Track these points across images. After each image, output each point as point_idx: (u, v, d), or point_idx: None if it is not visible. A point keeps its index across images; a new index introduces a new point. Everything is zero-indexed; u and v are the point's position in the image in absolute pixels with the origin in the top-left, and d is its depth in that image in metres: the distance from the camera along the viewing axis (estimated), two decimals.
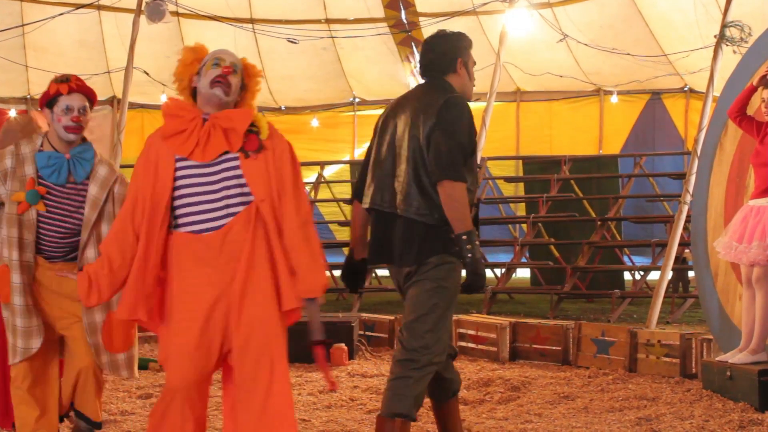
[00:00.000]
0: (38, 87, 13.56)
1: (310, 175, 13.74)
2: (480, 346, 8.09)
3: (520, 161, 14.40)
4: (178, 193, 3.76)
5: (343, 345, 7.79)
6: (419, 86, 4.62)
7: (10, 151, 4.39)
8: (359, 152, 16.28)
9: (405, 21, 14.89)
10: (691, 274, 11.13)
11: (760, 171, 6.11)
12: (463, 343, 8.22)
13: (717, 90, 7.99)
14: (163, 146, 3.79)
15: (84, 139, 4.45)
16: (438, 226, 4.30)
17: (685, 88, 14.41)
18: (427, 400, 4.68)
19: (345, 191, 14.07)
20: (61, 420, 4.69)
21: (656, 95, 14.74)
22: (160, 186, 3.75)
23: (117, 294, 3.91)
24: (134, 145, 15.72)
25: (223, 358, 3.81)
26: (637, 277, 11.37)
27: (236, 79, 3.84)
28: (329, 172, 14.95)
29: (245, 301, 3.72)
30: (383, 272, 14.02)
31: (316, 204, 13.65)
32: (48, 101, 4.36)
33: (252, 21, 14.79)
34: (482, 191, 12.34)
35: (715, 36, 8.46)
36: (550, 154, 14.23)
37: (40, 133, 4.52)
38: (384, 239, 4.45)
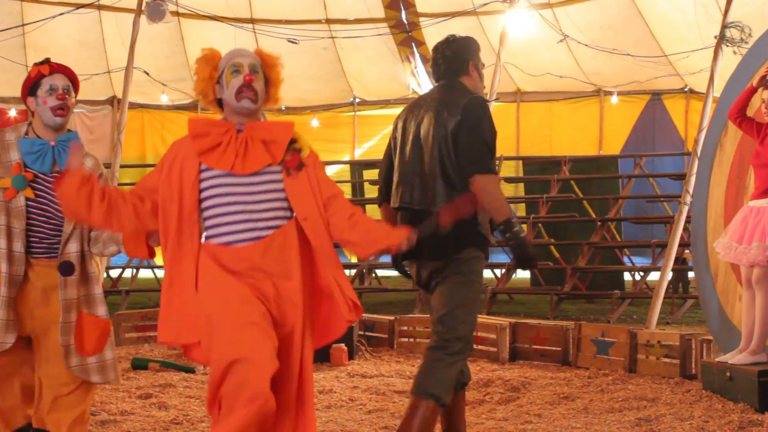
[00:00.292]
0: None
1: None
2: (480, 347, 8.07)
3: (521, 162, 14.40)
4: (207, 203, 3.69)
5: (342, 345, 7.76)
6: (437, 87, 4.71)
7: None
8: (359, 152, 16.30)
9: (405, 21, 14.91)
10: (691, 274, 11.14)
11: (760, 172, 6.10)
12: None
13: (717, 91, 7.99)
14: (189, 157, 3.69)
15: (69, 130, 4.31)
16: (466, 221, 4.33)
17: (686, 89, 14.42)
18: None
19: (345, 191, 14.00)
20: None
21: (656, 96, 14.75)
22: (187, 198, 3.67)
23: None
24: (134, 145, 15.76)
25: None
26: (637, 277, 11.36)
27: (260, 83, 3.75)
28: (329, 172, 14.94)
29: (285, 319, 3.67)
30: (383, 272, 14.03)
31: None
32: (31, 86, 4.26)
33: (252, 21, 14.80)
34: None
35: (715, 37, 8.47)
36: (550, 155, 14.23)
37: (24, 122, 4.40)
38: None
